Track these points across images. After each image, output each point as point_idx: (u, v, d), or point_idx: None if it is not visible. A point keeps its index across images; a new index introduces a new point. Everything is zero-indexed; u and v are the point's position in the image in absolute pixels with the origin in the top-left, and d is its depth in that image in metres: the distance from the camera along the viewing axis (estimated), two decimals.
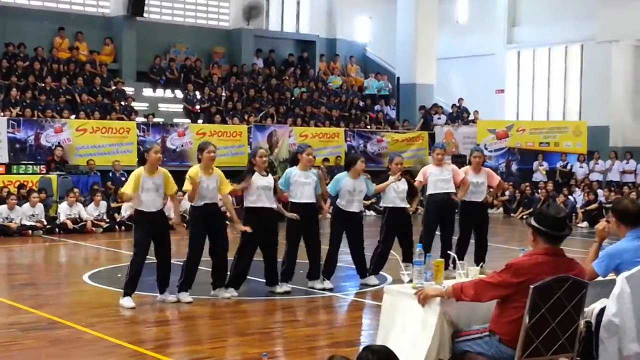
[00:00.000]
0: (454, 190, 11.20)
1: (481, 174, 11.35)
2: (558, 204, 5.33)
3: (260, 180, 9.58)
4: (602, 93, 24.87)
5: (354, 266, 10.76)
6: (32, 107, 19.79)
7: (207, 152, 9.29)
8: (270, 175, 9.83)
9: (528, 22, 28.05)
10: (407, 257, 9.75)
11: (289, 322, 8.72)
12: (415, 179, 11.24)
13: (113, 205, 17.27)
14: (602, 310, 5.07)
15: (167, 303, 9.12)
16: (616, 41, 24.64)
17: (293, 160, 10.27)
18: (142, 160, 9.14)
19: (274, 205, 9.77)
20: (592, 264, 5.35)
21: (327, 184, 10.62)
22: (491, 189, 12.25)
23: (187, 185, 9.16)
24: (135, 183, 8.89)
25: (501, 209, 22.96)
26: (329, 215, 10.73)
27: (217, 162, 9.61)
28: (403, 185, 10.66)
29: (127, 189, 9.01)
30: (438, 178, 11.10)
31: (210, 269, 9.57)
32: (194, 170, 9.25)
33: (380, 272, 10.76)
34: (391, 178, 10.50)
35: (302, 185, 9.90)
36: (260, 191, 9.55)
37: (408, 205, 10.73)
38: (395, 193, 10.58)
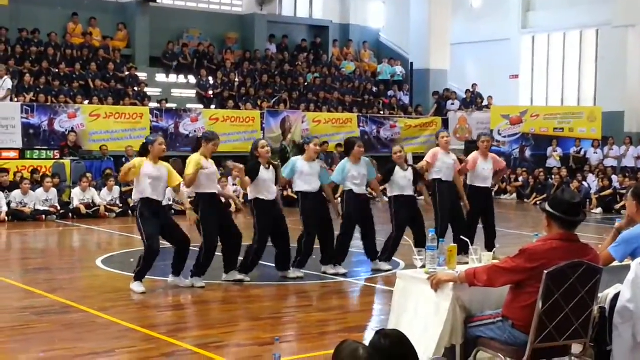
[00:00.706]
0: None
1: (488, 159, 11.31)
2: (572, 190, 5.28)
3: (265, 174, 9.56)
4: (617, 78, 24.66)
5: (364, 251, 10.73)
6: (45, 93, 19.83)
7: (213, 144, 9.33)
8: (271, 167, 9.78)
9: (543, 6, 27.82)
10: (419, 242, 9.73)
11: (301, 307, 8.72)
12: (425, 159, 11.22)
13: (124, 190, 17.29)
14: (616, 296, 5.02)
15: (180, 287, 9.13)
16: (632, 26, 24.41)
17: (300, 150, 10.28)
18: (145, 151, 9.09)
19: (274, 197, 9.76)
20: (609, 249, 5.30)
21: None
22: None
23: (190, 169, 9.14)
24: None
25: (514, 195, 22.87)
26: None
27: (230, 147, 9.60)
28: (410, 175, 10.62)
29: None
30: (447, 164, 11.07)
31: (222, 254, 9.57)
32: (197, 156, 9.26)
33: (393, 258, 10.74)
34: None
35: (308, 175, 9.95)
36: (264, 183, 9.55)
37: (413, 194, 10.69)
38: (404, 182, 10.55)
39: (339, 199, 10.94)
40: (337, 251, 10.27)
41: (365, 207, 10.44)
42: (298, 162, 10.07)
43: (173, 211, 15.21)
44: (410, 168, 10.78)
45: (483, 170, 11.17)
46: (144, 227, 8.91)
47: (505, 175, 21.66)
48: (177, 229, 9.14)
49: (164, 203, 9.67)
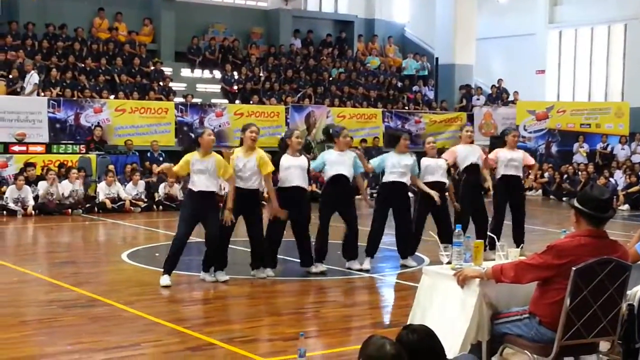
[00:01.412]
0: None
1: (517, 151, 11.26)
2: (601, 186, 5.23)
3: (292, 161, 9.54)
4: None
5: (391, 247, 10.68)
6: (72, 88, 19.97)
7: (250, 131, 9.29)
8: (302, 156, 9.76)
9: (570, 1, 27.60)
10: (445, 238, 9.65)
11: (325, 302, 8.71)
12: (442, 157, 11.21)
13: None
14: None
15: (206, 282, 9.16)
16: None
17: (328, 138, 10.19)
18: (195, 143, 9.14)
19: (306, 185, 9.72)
20: (636, 246, 5.25)
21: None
22: (529, 170, 12.09)
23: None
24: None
25: (540, 191, 22.71)
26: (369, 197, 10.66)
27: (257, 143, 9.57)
28: (442, 163, 10.59)
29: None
30: (466, 154, 11.02)
31: (250, 250, 9.58)
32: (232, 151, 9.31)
33: (418, 254, 10.69)
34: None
35: (339, 164, 9.87)
36: (291, 170, 9.52)
37: (444, 180, 10.60)
38: (436, 168, 10.47)
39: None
40: (368, 243, 10.23)
41: (402, 201, 10.34)
42: (327, 154, 10.05)
43: None
44: (441, 159, 10.74)
45: (512, 160, 11.09)
46: (180, 211, 9.24)
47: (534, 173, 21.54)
48: (211, 224, 9.17)
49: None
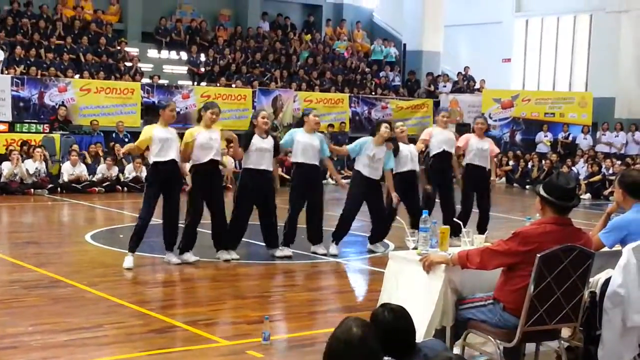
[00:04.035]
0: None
1: (485, 140, 11.34)
2: (567, 174, 5.27)
3: (260, 143, 9.50)
4: (609, 64, 24.68)
5: (357, 232, 10.70)
6: (36, 66, 19.69)
7: (211, 112, 9.23)
8: (270, 137, 9.73)
9: None
10: (415, 224, 9.69)
11: (290, 286, 8.73)
12: (420, 138, 11.24)
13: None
14: (607, 281, 5.04)
15: (171, 265, 9.11)
16: (626, 11, 24.42)
17: (299, 123, 10.17)
18: (154, 115, 9.08)
19: (271, 168, 9.70)
20: (599, 235, 5.32)
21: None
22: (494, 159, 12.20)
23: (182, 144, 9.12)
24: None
25: (503, 179, 22.88)
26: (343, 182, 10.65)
27: (221, 124, 9.56)
28: (413, 149, 10.62)
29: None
30: (442, 139, 11.08)
31: (211, 232, 9.55)
32: (192, 128, 9.26)
33: (384, 240, 10.72)
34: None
35: (306, 147, 9.84)
36: (258, 153, 9.48)
37: (413, 169, 10.62)
38: (407, 158, 10.48)
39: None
40: (336, 229, 10.23)
41: (375, 190, 10.28)
42: (298, 133, 9.99)
43: None
44: (411, 144, 10.76)
45: (480, 149, 11.17)
46: (146, 188, 9.15)
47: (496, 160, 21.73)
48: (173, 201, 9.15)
49: None
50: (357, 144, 10.31)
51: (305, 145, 9.85)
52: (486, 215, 11.26)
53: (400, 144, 10.50)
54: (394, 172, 10.40)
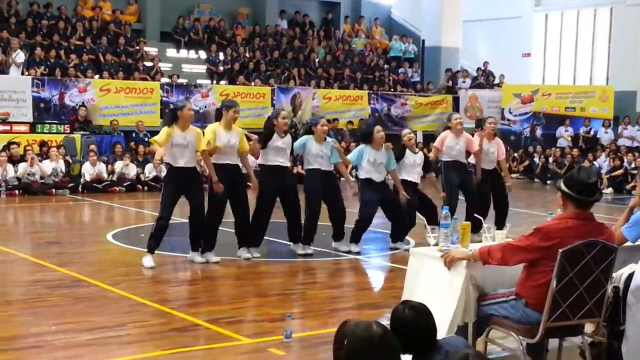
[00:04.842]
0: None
1: (493, 142, 11.28)
2: (588, 168, 5.21)
3: (277, 141, 9.53)
4: (630, 57, 24.49)
5: (378, 229, 10.68)
6: (56, 67, 19.81)
7: (234, 111, 9.23)
8: (288, 135, 9.75)
9: None
10: (432, 220, 9.65)
11: (312, 283, 8.73)
12: (433, 146, 11.21)
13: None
14: (631, 276, 4.99)
15: (194, 263, 9.13)
16: None
17: (308, 131, 10.12)
18: (174, 118, 8.98)
19: (288, 164, 9.75)
20: (622, 229, 5.27)
21: (348, 148, 10.53)
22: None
23: (203, 144, 9.09)
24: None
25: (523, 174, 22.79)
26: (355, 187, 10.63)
27: (240, 123, 9.58)
28: (419, 159, 10.53)
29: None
30: (453, 154, 11.01)
31: (234, 230, 9.57)
32: (212, 127, 9.22)
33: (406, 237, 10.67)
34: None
35: (317, 157, 9.85)
36: (275, 150, 9.51)
37: (417, 181, 10.51)
38: (412, 166, 10.43)
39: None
40: (353, 231, 10.21)
41: (386, 194, 10.23)
42: (309, 141, 9.98)
43: None
44: (420, 152, 10.70)
45: (488, 153, 11.14)
46: (163, 188, 9.13)
47: (515, 155, 21.70)
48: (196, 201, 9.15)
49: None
50: (355, 152, 10.34)
51: (316, 154, 9.87)
52: (504, 210, 11.20)
53: (408, 152, 10.44)
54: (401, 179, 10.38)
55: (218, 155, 9.13)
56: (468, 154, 11.30)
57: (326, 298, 7.87)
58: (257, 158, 10.34)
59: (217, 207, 9.20)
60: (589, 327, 5.19)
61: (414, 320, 3.69)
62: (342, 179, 10.91)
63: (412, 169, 10.44)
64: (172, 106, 9.59)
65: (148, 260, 8.90)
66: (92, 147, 17.48)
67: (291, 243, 9.96)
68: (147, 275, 8.69)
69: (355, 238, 10.20)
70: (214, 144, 9.02)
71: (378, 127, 10.32)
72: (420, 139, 21.37)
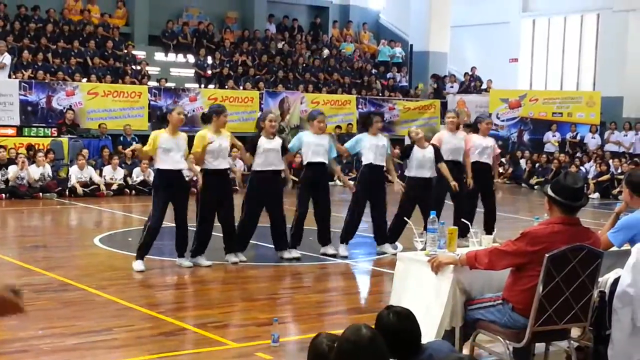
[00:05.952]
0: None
1: (489, 138, 11.30)
2: (575, 174, 5.22)
3: (267, 144, 9.51)
4: (617, 63, 24.62)
5: (366, 234, 10.69)
6: (44, 70, 19.74)
7: (224, 115, 9.25)
8: (277, 137, 9.74)
9: None
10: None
11: (299, 288, 8.73)
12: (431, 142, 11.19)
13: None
14: (616, 281, 5.02)
15: (181, 267, 9.12)
16: (633, 10, 24.35)
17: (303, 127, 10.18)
18: (163, 121, 9.04)
19: (281, 167, 9.71)
20: (608, 234, 5.31)
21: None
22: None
23: (196, 147, 9.11)
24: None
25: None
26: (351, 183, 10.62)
27: (228, 127, 9.58)
28: (429, 154, 10.38)
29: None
30: (450, 148, 11.01)
31: (222, 234, 9.56)
32: (202, 132, 9.23)
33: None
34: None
35: (317, 146, 9.83)
36: (266, 154, 9.49)
37: (430, 176, 10.42)
38: (423, 161, 10.32)
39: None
40: (344, 229, 10.21)
41: (379, 187, 10.26)
42: (305, 135, 9.99)
43: None
44: (430, 146, 10.47)
45: (486, 148, 11.13)
46: (154, 194, 9.13)
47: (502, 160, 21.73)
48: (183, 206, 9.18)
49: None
50: (353, 140, 10.41)
51: (315, 145, 9.84)
52: (492, 216, 11.22)
53: (416, 148, 10.37)
54: (406, 176, 10.41)
55: (208, 160, 9.14)
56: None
57: (313, 302, 7.87)
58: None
59: (208, 211, 9.20)
60: (575, 332, 5.22)
61: (398, 325, 3.71)
62: (338, 181, 10.90)
63: (423, 164, 10.34)
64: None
65: (138, 265, 8.90)
66: (85, 152, 17.39)
67: (277, 249, 9.92)
68: (135, 279, 8.67)
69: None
70: (202, 149, 9.03)
71: (377, 116, 10.45)
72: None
